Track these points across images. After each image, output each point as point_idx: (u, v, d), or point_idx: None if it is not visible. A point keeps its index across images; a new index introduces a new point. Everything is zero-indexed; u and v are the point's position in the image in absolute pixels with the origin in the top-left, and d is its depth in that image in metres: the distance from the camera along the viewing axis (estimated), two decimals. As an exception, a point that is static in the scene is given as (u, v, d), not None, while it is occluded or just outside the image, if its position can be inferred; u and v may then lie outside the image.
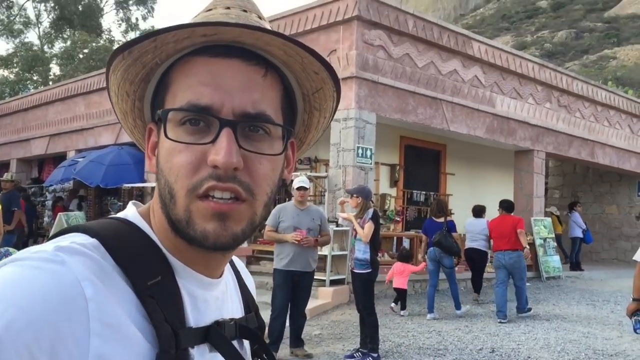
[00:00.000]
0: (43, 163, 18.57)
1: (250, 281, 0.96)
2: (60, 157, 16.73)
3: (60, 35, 36.26)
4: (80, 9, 35.12)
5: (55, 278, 0.62)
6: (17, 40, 35.28)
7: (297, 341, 6.40)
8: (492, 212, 11.10)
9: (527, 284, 9.42)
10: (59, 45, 36.26)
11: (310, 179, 10.86)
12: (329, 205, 10.10)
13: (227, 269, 0.86)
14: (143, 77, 0.78)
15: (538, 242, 13.06)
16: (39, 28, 36.54)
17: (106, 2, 37.29)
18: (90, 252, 0.67)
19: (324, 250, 9.58)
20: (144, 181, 12.60)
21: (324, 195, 10.59)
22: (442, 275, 9.15)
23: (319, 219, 6.45)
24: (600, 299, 10.76)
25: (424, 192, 13.16)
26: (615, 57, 40.92)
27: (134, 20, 36.88)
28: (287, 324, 6.41)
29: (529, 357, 6.60)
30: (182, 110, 0.72)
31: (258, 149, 0.73)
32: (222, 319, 0.77)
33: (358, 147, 9.81)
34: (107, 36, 35.92)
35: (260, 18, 0.80)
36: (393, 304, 8.97)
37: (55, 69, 33.91)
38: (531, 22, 55.18)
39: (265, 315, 6.30)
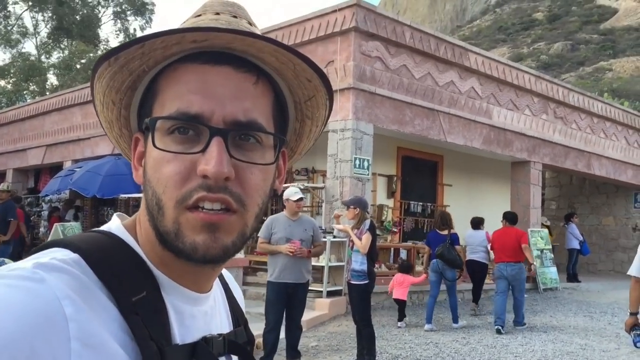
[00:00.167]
0: (39, 173, 18.53)
1: (238, 293, 0.93)
2: (56, 167, 16.70)
3: (58, 46, 36.33)
4: (79, 18, 35.23)
5: (32, 297, 0.59)
6: (14, 50, 35.34)
7: (293, 353, 6.36)
8: (490, 223, 11.14)
9: (525, 295, 9.43)
10: (56, 55, 36.35)
11: (307, 189, 10.88)
12: (327, 216, 10.09)
13: (216, 281, 0.83)
14: (130, 85, 0.75)
15: (535, 253, 13.02)
16: (36, 38, 36.62)
17: (104, 12, 37.44)
18: (71, 269, 0.64)
19: (321, 262, 9.56)
20: (140, 192, 12.50)
21: (322, 206, 10.59)
22: (442, 287, 9.14)
23: (311, 230, 6.37)
24: (598, 310, 10.74)
25: (421, 203, 13.16)
26: (611, 68, 41.16)
27: (132, 31, 36.99)
28: (283, 336, 6.37)
29: (527, 369, 6.57)
30: (171, 118, 0.70)
31: (249, 158, 0.71)
32: (210, 335, 0.74)
33: (355, 158, 9.82)
34: (105, 46, 35.99)
35: (250, 24, 0.78)
36: (400, 322, 8.84)
37: (52, 79, 33.96)
38: (527, 33, 55.54)
39: (260, 327, 6.28)
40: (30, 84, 32.65)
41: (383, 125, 10.35)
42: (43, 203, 16.15)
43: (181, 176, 0.69)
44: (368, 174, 10.10)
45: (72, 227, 12.53)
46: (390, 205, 12.47)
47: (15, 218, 12.02)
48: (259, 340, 6.62)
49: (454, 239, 8.88)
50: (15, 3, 34.53)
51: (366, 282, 6.41)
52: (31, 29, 36.26)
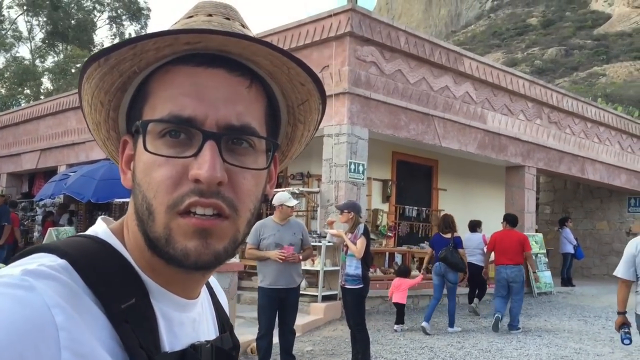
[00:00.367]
0: (34, 178, 18.45)
1: (223, 298, 0.92)
2: (51, 172, 16.63)
3: (53, 50, 36.28)
4: (74, 23, 35.19)
5: (22, 305, 0.57)
6: (8, 54, 35.27)
7: (288, 357, 6.34)
8: (484, 227, 11.20)
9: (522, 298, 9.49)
10: (51, 60, 36.29)
11: (303, 194, 10.89)
12: (322, 220, 10.09)
13: (202, 287, 0.82)
14: (119, 86, 0.73)
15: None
16: (30, 42, 36.55)
17: (100, 17, 37.42)
18: (60, 275, 0.62)
19: (317, 266, 9.57)
20: (135, 196, 12.51)
21: (317, 210, 10.59)
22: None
23: (300, 233, 6.30)
24: (592, 314, 10.77)
25: (416, 208, 13.18)
26: (604, 74, 41.36)
27: (127, 36, 36.97)
28: (277, 340, 6.35)
29: (521, 374, 6.58)
30: (163, 121, 0.68)
31: (242, 163, 0.70)
32: (199, 342, 0.73)
33: (350, 163, 9.83)
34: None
35: (243, 26, 0.77)
36: (396, 326, 8.86)
37: (47, 84, 33.88)
38: (521, 39, 55.78)
39: (255, 331, 6.27)
40: (25, 88, 32.56)
41: (378, 130, 10.37)
42: (37, 208, 16.08)
43: (173, 180, 0.67)
44: (363, 179, 10.12)
45: (67, 232, 12.48)
46: (385, 210, 12.49)
47: (10, 223, 11.98)
48: (253, 345, 6.61)
49: (457, 242, 8.94)
50: (10, 7, 34.49)
51: (361, 286, 6.41)
52: (25, 34, 36.22)
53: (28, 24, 36.09)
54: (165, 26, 0.80)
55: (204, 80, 0.70)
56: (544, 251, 13.78)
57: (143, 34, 0.68)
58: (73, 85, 27.93)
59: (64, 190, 13.06)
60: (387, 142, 11.48)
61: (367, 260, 6.54)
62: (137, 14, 36.68)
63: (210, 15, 0.75)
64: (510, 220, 9.52)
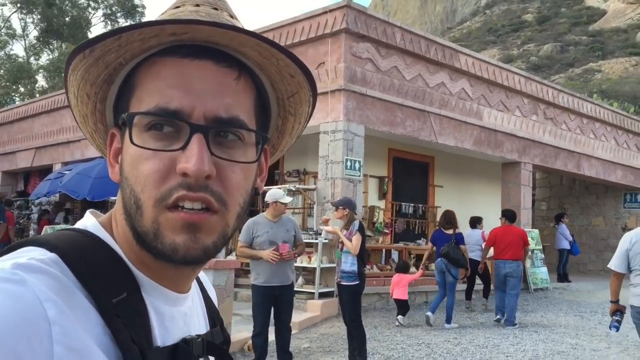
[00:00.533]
0: (29, 176, 18.39)
1: (212, 293, 0.91)
2: (46, 170, 16.59)
3: (48, 47, 36.16)
4: (68, 20, 35.06)
5: (14, 299, 0.56)
6: (2, 52, 35.12)
7: (285, 355, 6.34)
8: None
9: (518, 294, 9.56)
10: (45, 57, 36.16)
11: (299, 191, 10.88)
12: (318, 217, 10.09)
13: (193, 282, 0.81)
14: (105, 78, 0.72)
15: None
16: (25, 40, 36.41)
17: (94, 14, 37.29)
18: (51, 269, 0.61)
19: (313, 263, 9.57)
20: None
21: (313, 207, 10.59)
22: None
23: (293, 230, 6.27)
24: (588, 310, 10.80)
25: (413, 205, 13.19)
26: (600, 70, 41.45)
27: (122, 33, 36.79)
28: (273, 338, 6.35)
29: (518, 369, 6.59)
30: (150, 114, 0.67)
31: (231, 156, 0.69)
32: (190, 336, 0.73)
33: (347, 160, 9.82)
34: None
35: (231, 17, 0.75)
36: (398, 317, 8.92)
37: (42, 82, 33.75)
38: (517, 35, 55.82)
39: (252, 329, 6.27)
40: (20, 86, 32.44)
41: (374, 127, 10.36)
42: (33, 206, 16.03)
43: (160, 174, 0.66)
44: (359, 176, 10.11)
45: (62, 230, 12.44)
46: (381, 207, 12.49)
47: (5, 221, 11.94)
48: (250, 343, 6.61)
49: (459, 238, 8.98)
50: (3, 5, 34.34)
51: (356, 283, 6.40)
52: (19, 31, 36.08)
53: (22, 21, 35.98)
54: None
55: (191, 72, 0.69)
56: (540, 247, 13.82)
57: (128, 25, 0.66)
58: (68, 83, 27.78)
59: (60, 188, 13.03)
60: (383, 138, 11.48)
61: (363, 256, 6.53)
62: (132, 11, 36.57)
63: (197, 5, 0.73)
64: (509, 216, 9.63)
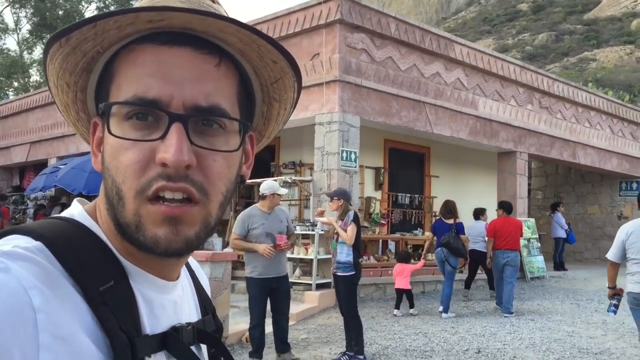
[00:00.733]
0: (24, 171, 18.33)
1: (205, 282, 0.90)
2: (41, 165, 16.53)
3: (41, 41, 35.94)
4: (61, 13, 34.84)
5: None
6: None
7: (283, 346, 6.36)
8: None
9: (514, 282, 9.64)
10: (39, 52, 35.96)
11: (295, 182, 10.87)
12: (314, 209, 10.09)
13: (183, 269, 0.81)
14: (84, 67, 0.71)
15: (522, 242, 13.13)
16: (18, 34, 36.19)
17: (87, 7, 37.06)
18: (36, 257, 0.61)
19: (310, 255, 9.58)
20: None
21: (309, 199, 10.58)
22: (442, 277, 9.38)
23: (286, 220, 6.34)
24: (584, 298, 10.85)
25: (409, 195, 13.20)
26: (595, 59, 41.43)
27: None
28: (270, 330, 6.36)
29: (515, 357, 6.63)
30: (127, 104, 0.66)
31: (212, 145, 0.68)
32: (180, 324, 0.72)
33: (342, 151, 9.81)
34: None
35: (213, 1, 0.74)
36: (396, 310, 8.96)
37: (35, 76, 33.57)
38: (512, 25, 55.70)
39: (248, 321, 6.29)
40: (13, 80, 32.26)
41: (370, 118, 10.35)
42: (28, 201, 15.99)
43: (140, 165, 0.65)
44: (355, 167, 10.11)
45: (59, 225, 12.42)
46: (378, 198, 12.49)
47: (0, 216, 11.91)
48: (247, 335, 6.62)
49: (460, 228, 9.03)
50: (-4, -1, 34.11)
51: (352, 273, 6.41)
52: (12, 25, 35.85)
53: (14, 15, 35.73)
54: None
55: (169, 59, 0.67)
56: (537, 236, 13.87)
57: (103, 12, 0.65)
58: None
59: (55, 182, 13.00)
60: (379, 129, 11.47)
61: (358, 247, 6.54)
62: (126, 4, 36.35)
63: None
64: (507, 207, 9.81)
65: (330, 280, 9.38)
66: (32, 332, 0.56)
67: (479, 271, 10.95)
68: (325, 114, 9.87)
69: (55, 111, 16.30)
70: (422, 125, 11.23)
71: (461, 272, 10.60)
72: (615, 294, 5.48)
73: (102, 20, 0.63)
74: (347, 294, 6.45)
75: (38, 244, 0.63)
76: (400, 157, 13.20)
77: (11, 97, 25.60)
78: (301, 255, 9.76)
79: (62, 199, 15.22)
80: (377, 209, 12.27)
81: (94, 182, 12.14)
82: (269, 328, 6.33)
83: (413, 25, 11.14)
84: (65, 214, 0.73)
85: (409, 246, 12.08)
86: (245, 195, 12.26)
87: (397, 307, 8.97)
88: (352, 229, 6.37)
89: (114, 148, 0.67)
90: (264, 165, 12.35)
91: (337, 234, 6.49)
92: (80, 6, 36.58)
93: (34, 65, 34.50)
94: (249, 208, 6.45)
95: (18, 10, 35.26)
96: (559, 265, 14.96)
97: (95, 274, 0.64)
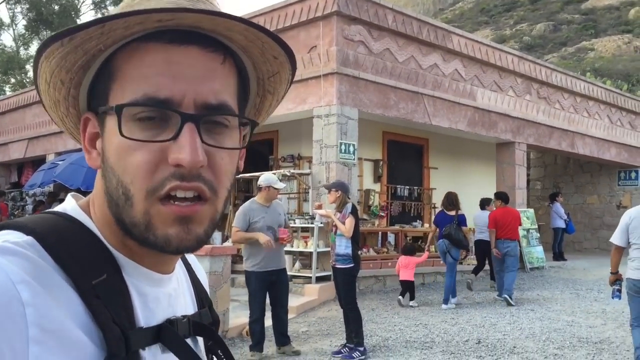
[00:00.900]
0: (22, 167, 18.31)
1: (202, 274, 0.91)
2: (39, 161, 16.51)
3: (37, 37, 35.81)
4: (57, 9, 34.69)
5: None
6: (-9, 43, 34.82)
7: (283, 338, 6.38)
8: (476, 205, 11.25)
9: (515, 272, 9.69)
10: (35, 47, 35.79)
11: (294, 176, 10.86)
12: (313, 202, 10.08)
13: (178, 263, 0.81)
14: (82, 65, 0.69)
15: (521, 233, 13.14)
16: (14, 30, 36.04)
17: (83, 2, 36.90)
18: (25, 251, 0.61)
19: (310, 247, 9.58)
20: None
21: (308, 192, 10.58)
22: (442, 269, 9.41)
23: (283, 213, 6.45)
24: (584, 287, 10.88)
25: (408, 187, 13.20)
26: (593, 48, 41.35)
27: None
28: (270, 323, 6.38)
29: (515, 347, 6.64)
30: (139, 104, 0.65)
31: (219, 142, 0.68)
32: (175, 317, 0.72)
33: (341, 143, 9.80)
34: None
35: None
36: (400, 297, 9.07)
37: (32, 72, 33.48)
38: (510, 15, 55.53)
39: (247, 315, 6.30)
40: (10, 77, 32.17)
41: (368, 110, 10.33)
42: (27, 197, 15.97)
43: (150, 165, 0.65)
44: (354, 159, 10.10)
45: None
46: (376, 190, 12.49)
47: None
48: (248, 328, 6.63)
49: (461, 219, 9.06)
50: (-9, -5, 33.96)
51: (351, 265, 6.42)
52: (8, 21, 35.70)
53: (10, 11, 35.57)
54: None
55: (178, 58, 0.67)
56: (536, 226, 13.87)
57: (112, 13, 0.64)
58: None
59: (54, 178, 12.98)
60: (377, 121, 11.45)
61: (357, 239, 6.54)
62: (121, -2, 36.21)
63: None
64: (505, 198, 9.92)
65: (330, 272, 9.40)
66: (21, 326, 0.56)
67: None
68: (323, 107, 9.85)
69: (52, 107, 16.27)
70: (420, 116, 11.22)
71: (461, 263, 10.61)
72: (617, 279, 5.62)
73: (112, 21, 0.63)
74: (345, 286, 6.46)
75: (29, 238, 0.63)
76: (399, 149, 13.19)
77: (8, 94, 25.53)
78: (301, 248, 9.77)
79: (60, 194, 15.20)
80: (376, 201, 12.27)
81: (92, 178, 12.05)
82: (268, 322, 6.34)
83: (410, 17, 11.10)
84: (59, 208, 0.73)
85: (408, 238, 12.09)
86: (244, 189, 12.25)
87: (403, 295, 9.03)
88: (350, 221, 6.37)
89: (122, 148, 0.66)
90: (263, 158, 12.34)
91: (336, 226, 6.50)
92: (76, 1, 36.42)
93: (31, 61, 34.35)
94: (248, 202, 6.47)
95: (13, 6, 35.11)
96: (558, 256, 14.98)
97: (87, 268, 0.64)
